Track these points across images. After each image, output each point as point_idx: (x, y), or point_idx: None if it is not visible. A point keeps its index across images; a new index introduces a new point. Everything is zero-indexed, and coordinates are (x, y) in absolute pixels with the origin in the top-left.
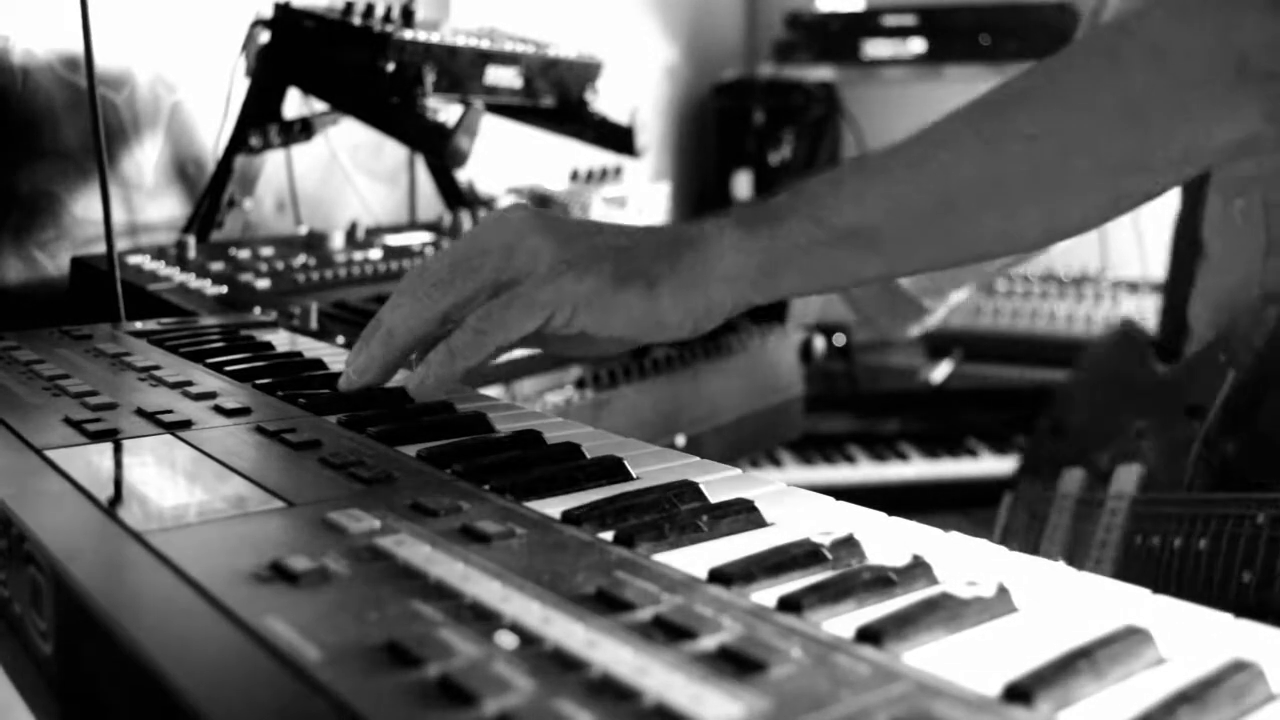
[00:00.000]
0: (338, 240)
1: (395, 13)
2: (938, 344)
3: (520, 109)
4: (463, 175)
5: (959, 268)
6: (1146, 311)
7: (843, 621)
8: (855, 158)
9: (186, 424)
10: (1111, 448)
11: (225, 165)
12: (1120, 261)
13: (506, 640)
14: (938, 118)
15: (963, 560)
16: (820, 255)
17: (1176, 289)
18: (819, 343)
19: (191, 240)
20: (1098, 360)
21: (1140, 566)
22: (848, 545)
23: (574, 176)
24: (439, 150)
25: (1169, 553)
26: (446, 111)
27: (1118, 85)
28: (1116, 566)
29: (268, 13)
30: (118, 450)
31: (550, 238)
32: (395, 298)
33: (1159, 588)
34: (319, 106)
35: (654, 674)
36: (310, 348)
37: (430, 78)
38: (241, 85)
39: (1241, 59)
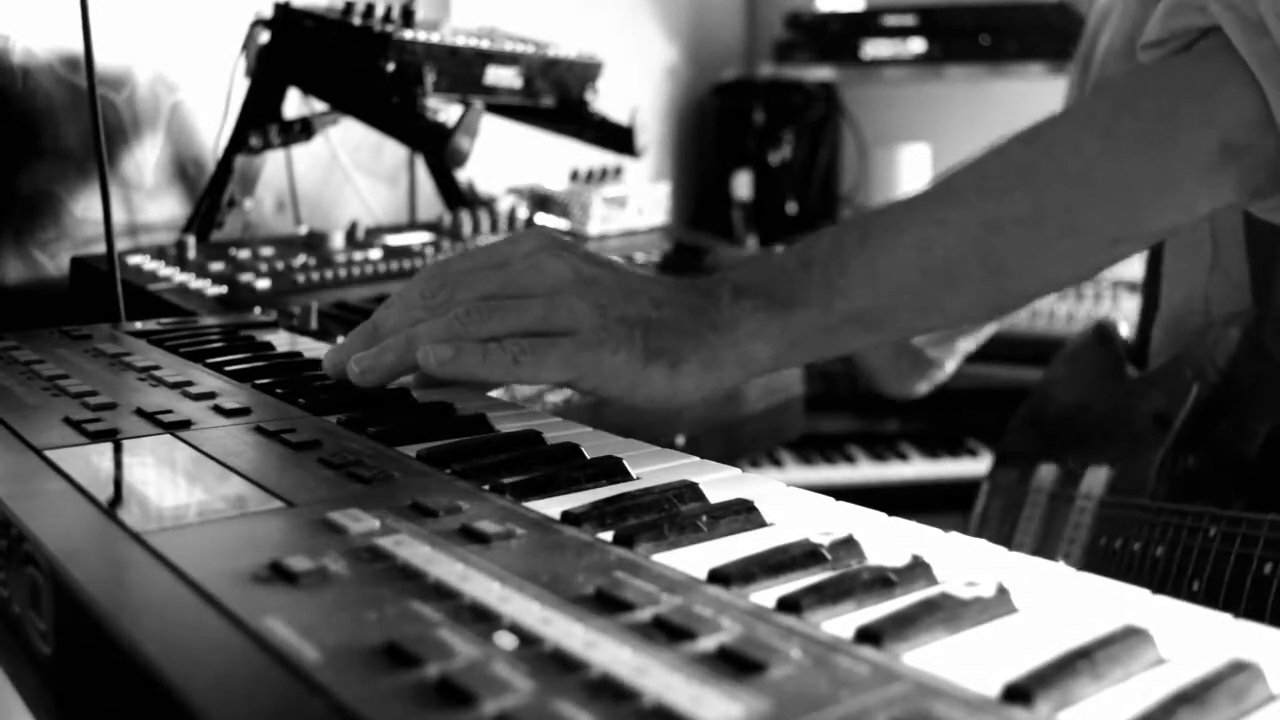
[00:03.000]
0: (338, 240)
1: (395, 13)
2: None
3: (520, 109)
4: (463, 175)
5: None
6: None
7: (842, 622)
8: (861, 220)
9: (186, 424)
10: (1083, 447)
11: (225, 165)
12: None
13: (506, 641)
14: (944, 176)
15: (962, 560)
16: (830, 336)
17: (1149, 296)
18: None
19: (191, 240)
20: (1074, 357)
21: (1103, 568)
22: (847, 545)
23: (574, 176)
24: (439, 150)
25: (1129, 556)
26: (446, 111)
27: (1111, 167)
28: (1081, 566)
29: (268, 13)
30: (117, 450)
31: (590, 301)
32: (419, 304)
33: None
34: (319, 106)
35: (653, 674)
36: (310, 348)
37: (430, 78)
38: (241, 85)
39: (1225, 136)
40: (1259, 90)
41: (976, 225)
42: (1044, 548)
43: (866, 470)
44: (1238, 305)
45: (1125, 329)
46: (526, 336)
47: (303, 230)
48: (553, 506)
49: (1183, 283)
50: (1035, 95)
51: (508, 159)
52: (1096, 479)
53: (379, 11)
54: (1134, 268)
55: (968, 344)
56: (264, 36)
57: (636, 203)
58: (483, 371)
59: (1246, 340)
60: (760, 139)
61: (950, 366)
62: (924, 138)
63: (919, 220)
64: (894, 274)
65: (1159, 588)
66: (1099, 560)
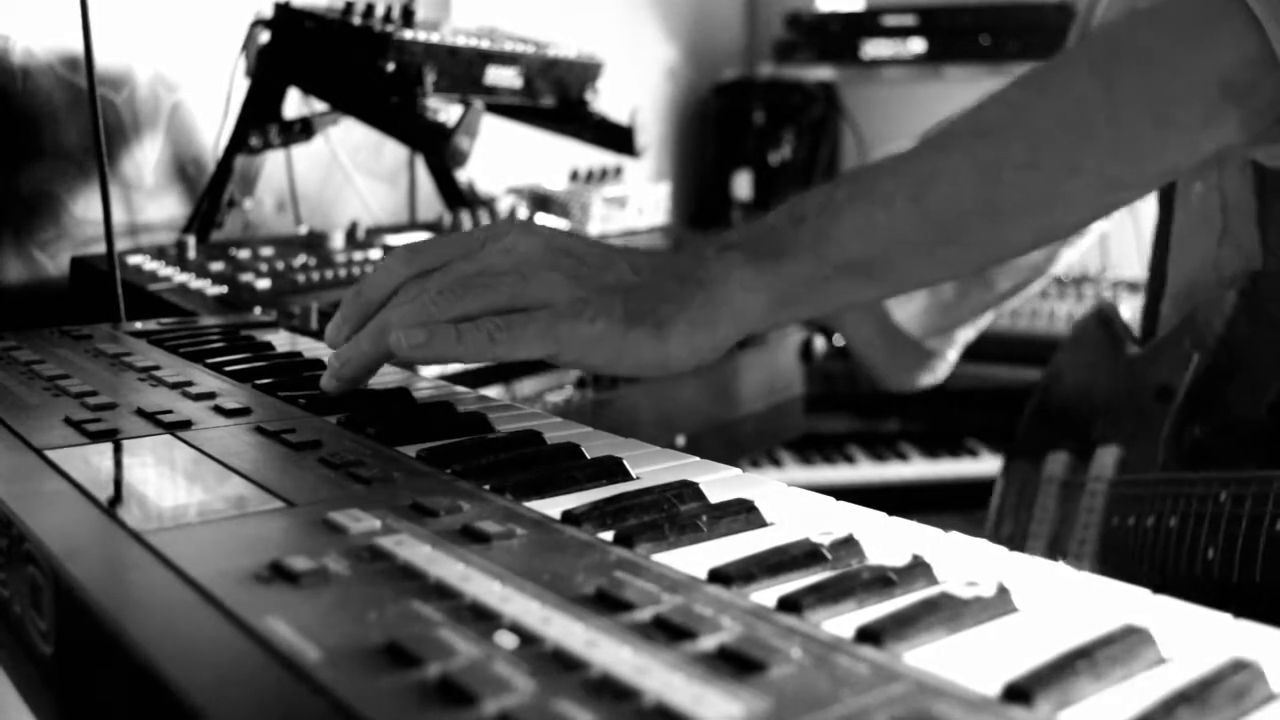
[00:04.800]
0: (338, 240)
1: (395, 13)
2: None
3: (520, 109)
4: (463, 175)
5: (960, 308)
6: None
7: (842, 621)
8: (852, 175)
9: (186, 424)
10: (1090, 430)
11: (225, 165)
12: (1120, 261)
13: (506, 640)
14: (936, 129)
15: (963, 560)
16: (822, 287)
17: (1155, 271)
18: (819, 343)
19: (191, 240)
20: (1075, 343)
21: (1118, 547)
22: (847, 545)
23: (574, 176)
24: (439, 150)
25: (1142, 532)
26: (446, 111)
27: (1109, 108)
28: (1097, 548)
29: (268, 13)
30: (117, 450)
31: (564, 272)
32: (398, 297)
33: (1135, 566)
34: (319, 106)
35: (654, 674)
36: (310, 348)
37: (430, 78)
38: (241, 85)
39: (1225, 75)
40: (1259, 28)
41: (972, 171)
42: (1060, 535)
43: (866, 470)
44: (1247, 270)
45: (1127, 311)
46: (504, 314)
47: (303, 230)
48: (553, 506)
49: (1193, 255)
50: None
51: (508, 159)
52: (1106, 460)
53: (379, 11)
54: (1134, 267)
55: (966, 333)
56: (264, 36)
57: (636, 203)
58: (458, 351)
59: (1244, 301)
60: (760, 139)
61: (952, 356)
62: None
63: (914, 169)
64: (889, 223)
65: (1174, 560)
66: (1114, 540)
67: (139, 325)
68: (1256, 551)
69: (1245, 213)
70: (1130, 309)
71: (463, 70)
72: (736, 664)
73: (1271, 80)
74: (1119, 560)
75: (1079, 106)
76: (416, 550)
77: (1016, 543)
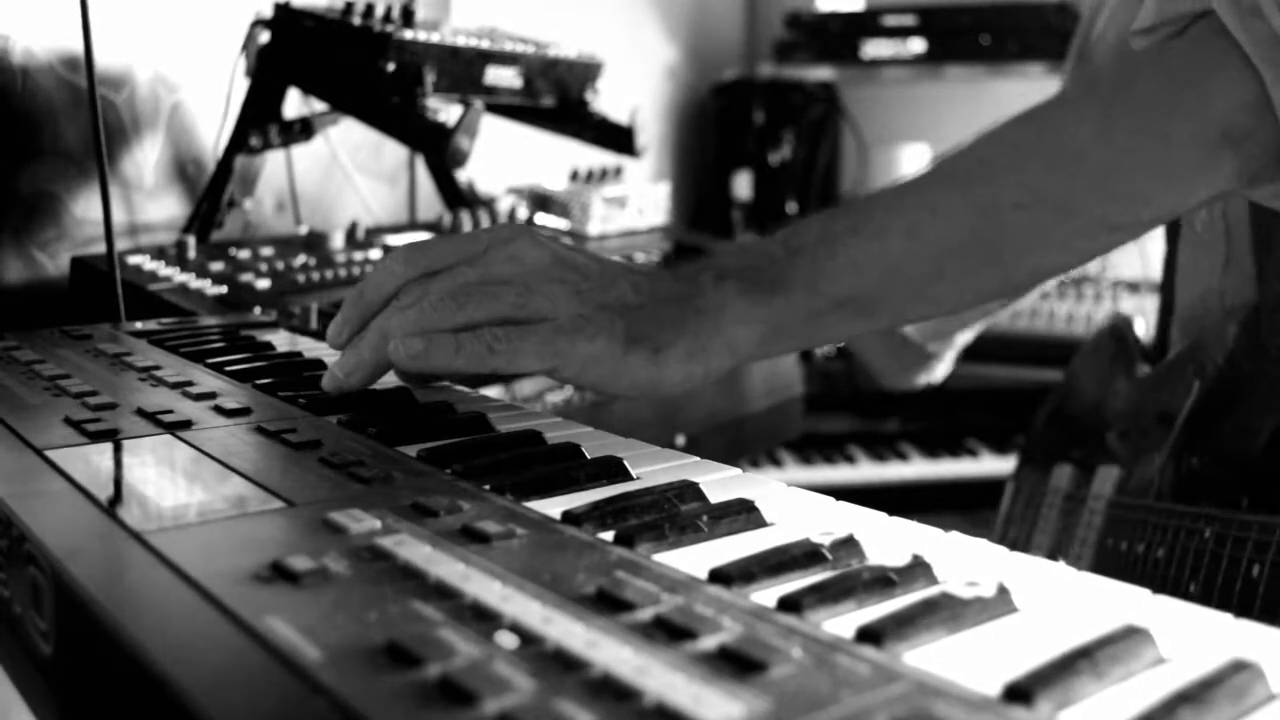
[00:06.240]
0: (338, 240)
1: (395, 13)
2: None
3: (520, 109)
4: (463, 175)
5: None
6: (1146, 311)
7: (843, 621)
8: (851, 205)
9: (186, 424)
10: (1095, 446)
11: (225, 165)
12: (1120, 261)
13: (507, 640)
14: (939, 160)
15: (963, 560)
16: (816, 322)
17: (1165, 294)
18: None
19: (191, 240)
20: (1090, 355)
21: (1111, 570)
22: (848, 545)
23: (574, 176)
24: (439, 150)
25: (1134, 559)
26: (446, 111)
27: (1106, 152)
28: (1090, 567)
29: (268, 13)
30: (118, 450)
31: (567, 286)
32: (399, 300)
33: None
34: (319, 106)
35: (654, 674)
36: (310, 348)
37: (430, 78)
38: (241, 85)
39: (1222, 122)
40: (1255, 75)
41: (968, 211)
42: (1059, 549)
43: (866, 470)
44: (1250, 300)
45: (1141, 325)
46: (504, 324)
47: (303, 230)
48: (553, 506)
49: (1198, 280)
50: (1035, 95)
51: (508, 159)
52: (1106, 479)
53: (379, 11)
54: (1134, 267)
55: (965, 336)
56: (264, 36)
57: (636, 203)
58: (457, 363)
59: (1244, 335)
60: (760, 139)
61: (950, 358)
62: (924, 138)
63: (910, 206)
64: (883, 260)
65: (1159, 590)
66: (1107, 562)
67: (139, 325)
68: (1233, 593)
69: (1247, 240)
70: (1140, 314)
71: (463, 70)
72: (737, 664)
73: (1268, 125)
74: None
75: (1076, 150)
76: (417, 550)
77: (1019, 550)
